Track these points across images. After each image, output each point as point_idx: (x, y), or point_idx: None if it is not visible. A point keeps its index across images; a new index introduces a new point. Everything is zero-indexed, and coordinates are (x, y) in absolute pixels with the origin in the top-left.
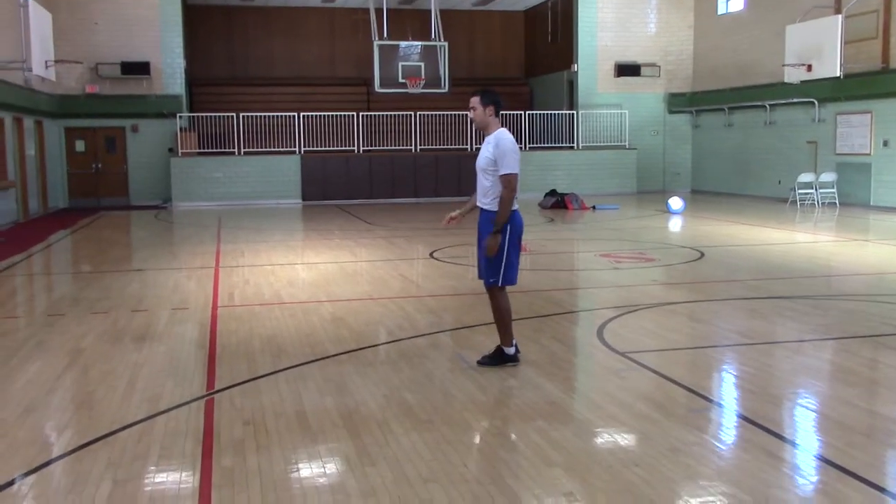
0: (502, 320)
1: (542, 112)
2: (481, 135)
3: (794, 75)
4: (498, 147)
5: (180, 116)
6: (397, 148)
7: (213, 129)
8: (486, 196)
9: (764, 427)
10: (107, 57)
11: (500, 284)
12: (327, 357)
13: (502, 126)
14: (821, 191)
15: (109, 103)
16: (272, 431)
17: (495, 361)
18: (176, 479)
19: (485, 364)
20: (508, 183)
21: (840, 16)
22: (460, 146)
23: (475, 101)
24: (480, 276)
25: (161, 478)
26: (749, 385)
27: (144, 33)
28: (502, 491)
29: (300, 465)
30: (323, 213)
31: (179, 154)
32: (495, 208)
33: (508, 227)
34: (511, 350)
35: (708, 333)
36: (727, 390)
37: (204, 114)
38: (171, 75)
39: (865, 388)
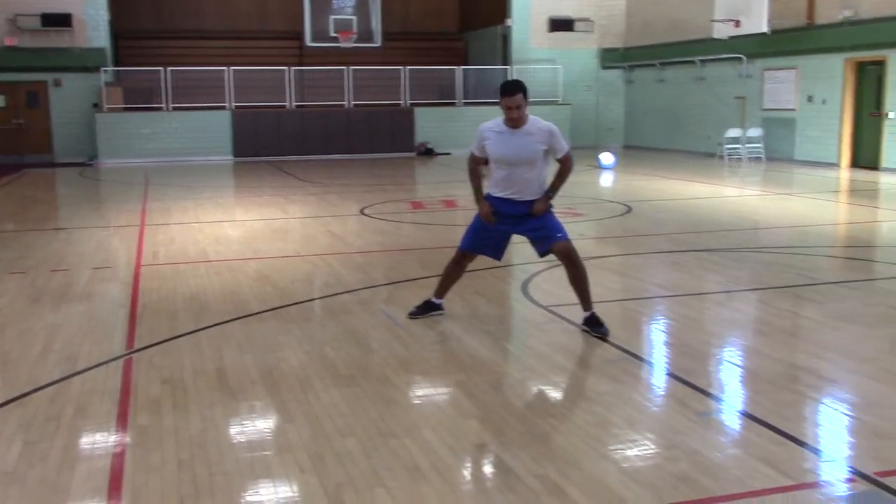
0: (587, 280)
1: (476, 67)
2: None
3: (722, 31)
4: (553, 134)
5: (105, 70)
6: (330, 103)
7: (139, 84)
8: (531, 186)
9: (676, 376)
10: (25, 8)
11: (568, 237)
12: (250, 315)
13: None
14: (748, 145)
15: (30, 56)
16: (190, 390)
17: (602, 329)
18: (90, 439)
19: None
20: (571, 161)
21: None
22: (394, 101)
23: (519, 98)
24: (544, 251)
25: (74, 438)
26: (665, 336)
27: None
28: (417, 442)
29: (217, 423)
30: (254, 169)
31: (105, 109)
32: (536, 196)
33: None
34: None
35: (630, 286)
36: (643, 341)
37: (130, 68)
38: (94, 27)
39: (774, 338)
